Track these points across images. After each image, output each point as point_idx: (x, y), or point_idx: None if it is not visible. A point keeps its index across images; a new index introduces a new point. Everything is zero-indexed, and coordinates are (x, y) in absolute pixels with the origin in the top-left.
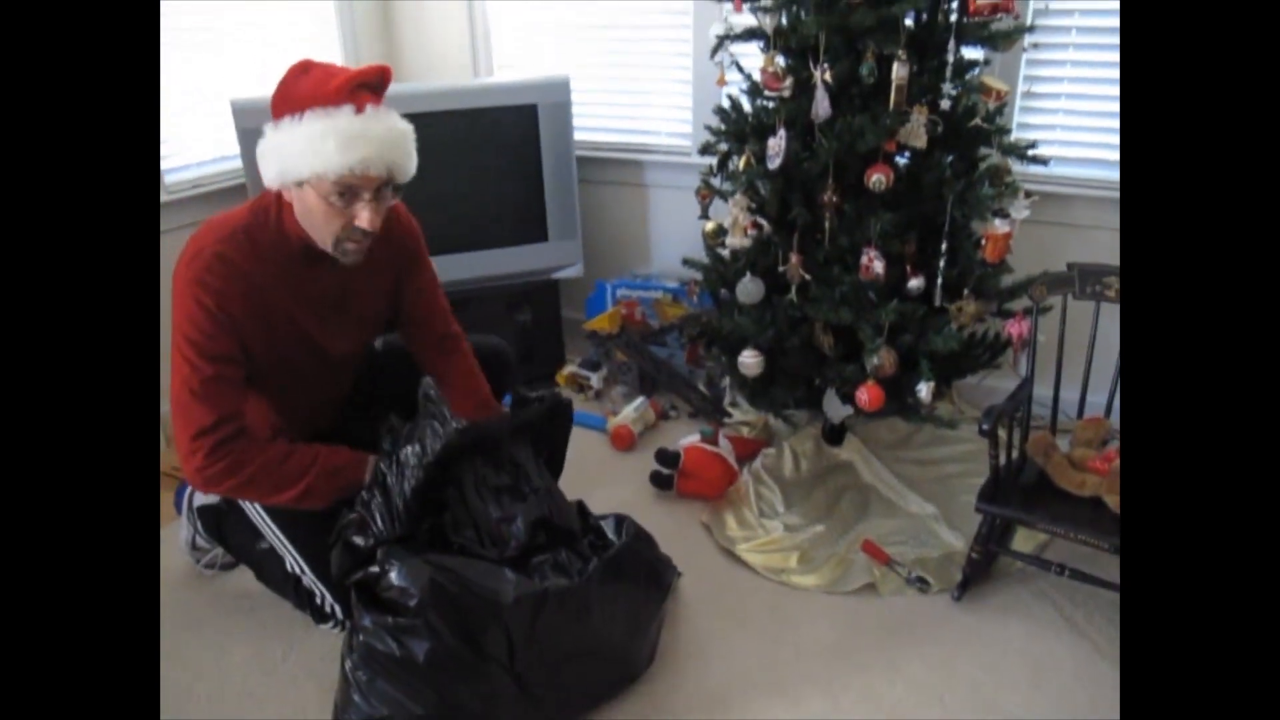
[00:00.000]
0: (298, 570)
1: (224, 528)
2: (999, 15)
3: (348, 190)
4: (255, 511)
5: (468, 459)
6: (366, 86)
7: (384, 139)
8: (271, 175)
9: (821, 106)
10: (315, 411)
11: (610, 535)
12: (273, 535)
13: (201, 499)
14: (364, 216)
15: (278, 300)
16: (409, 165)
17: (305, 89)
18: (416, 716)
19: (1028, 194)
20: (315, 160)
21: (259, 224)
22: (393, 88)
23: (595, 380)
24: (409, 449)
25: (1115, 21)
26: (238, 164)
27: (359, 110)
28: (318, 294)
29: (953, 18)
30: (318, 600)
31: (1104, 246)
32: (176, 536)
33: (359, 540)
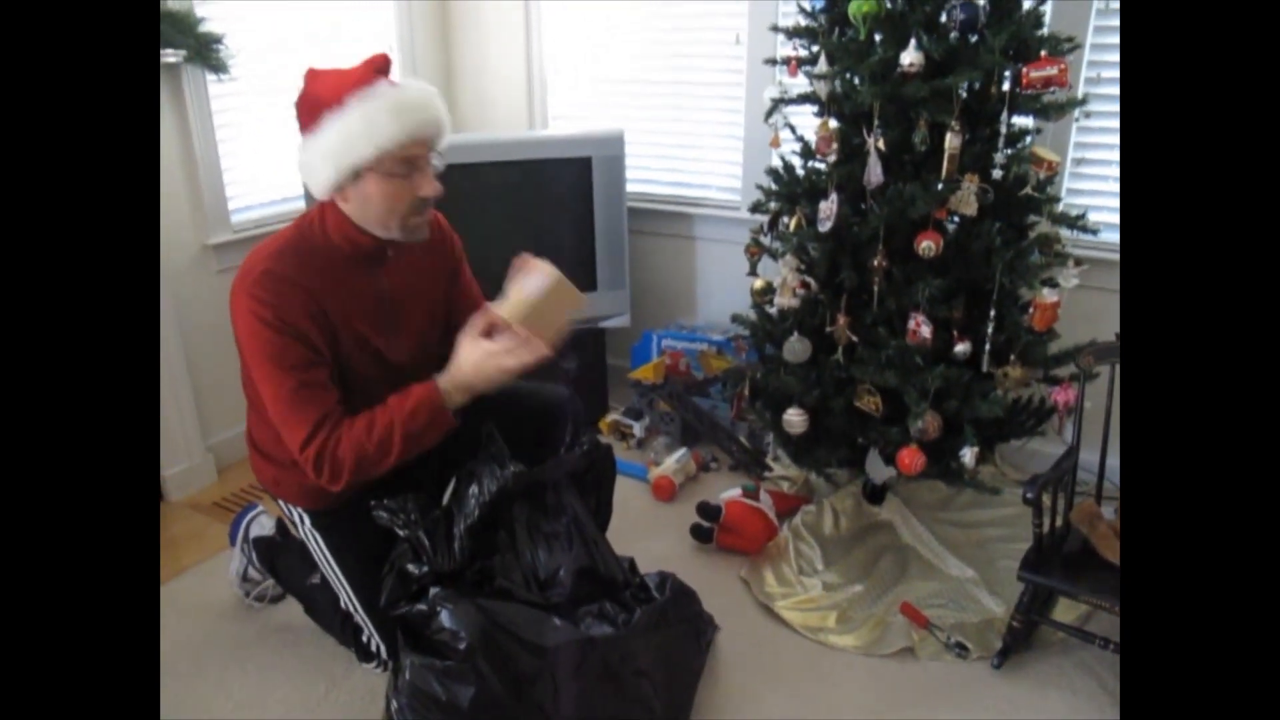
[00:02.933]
0: (349, 606)
1: (277, 560)
2: (1051, 89)
3: (408, 160)
4: (314, 543)
5: (520, 502)
6: (381, 69)
7: (425, 103)
8: (325, 178)
9: (874, 173)
10: None
11: (653, 589)
12: (327, 568)
13: (257, 530)
14: (427, 185)
15: (334, 307)
16: (448, 125)
17: (330, 85)
18: None
19: (1077, 261)
20: (376, 136)
21: (305, 237)
22: (459, 138)
23: (638, 429)
24: (471, 487)
25: None
26: (300, 204)
27: (390, 81)
28: (371, 302)
29: (1005, 88)
30: (364, 638)
31: None
32: (227, 568)
33: (412, 568)
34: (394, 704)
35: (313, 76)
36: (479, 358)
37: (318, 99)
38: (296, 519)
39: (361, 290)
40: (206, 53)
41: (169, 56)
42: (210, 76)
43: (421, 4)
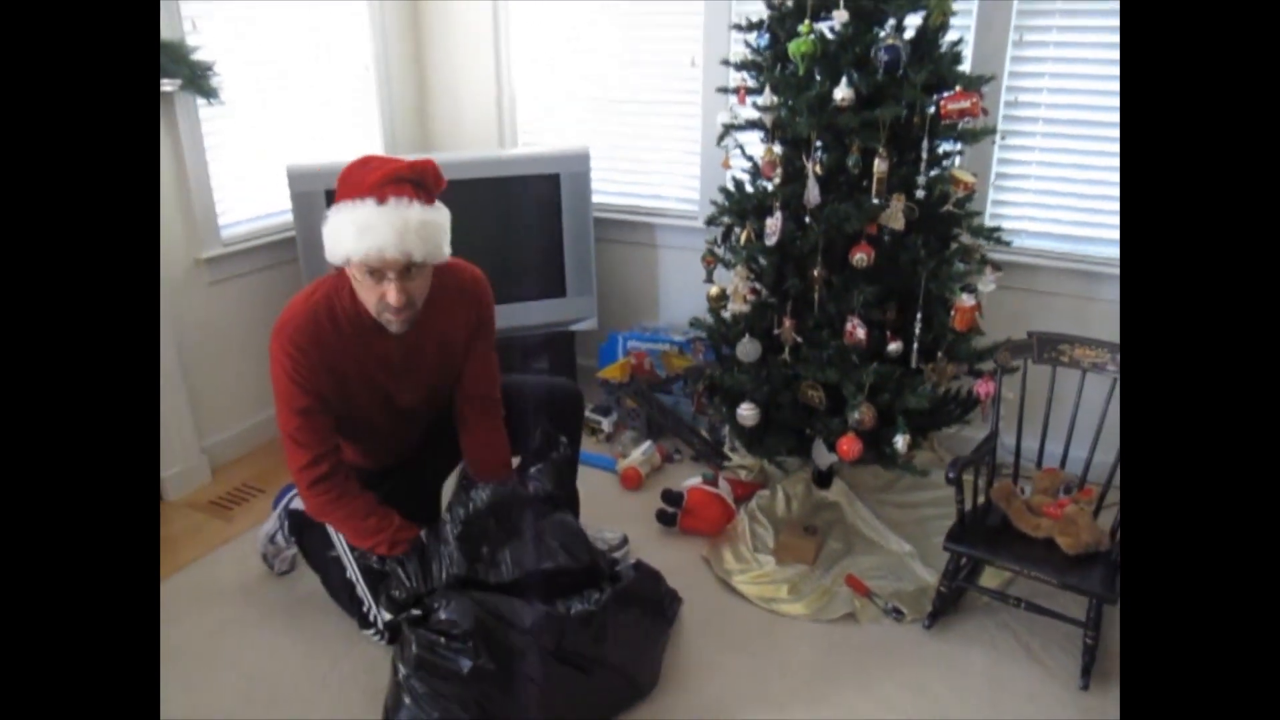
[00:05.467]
0: (354, 579)
1: (304, 534)
2: (966, 119)
3: (373, 271)
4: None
5: (499, 519)
6: (404, 180)
7: (399, 228)
8: (328, 253)
9: (813, 193)
10: (390, 454)
11: (623, 572)
12: (340, 545)
13: (297, 504)
14: (390, 294)
15: (349, 364)
16: (429, 249)
17: (350, 179)
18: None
19: (996, 267)
20: (339, 246)
21: (334, 300)
22: (433, 156)
23: (606, 424)
24: (456, 510)
25: (1075, 114)
26: (288, 218)
27: (381, 202)
28: (387, 355)
29: (928, 116)
30: (364, 609)
31: (1065, 311)
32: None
33: (396, 594)
34: (401, 670)
35: (359, 165)
36: None
37: (341, 184)
38: None
39: (379, 345)
40: (199, 80)
41: (165, 85)
42: (201, 101)
43: (397, 26)
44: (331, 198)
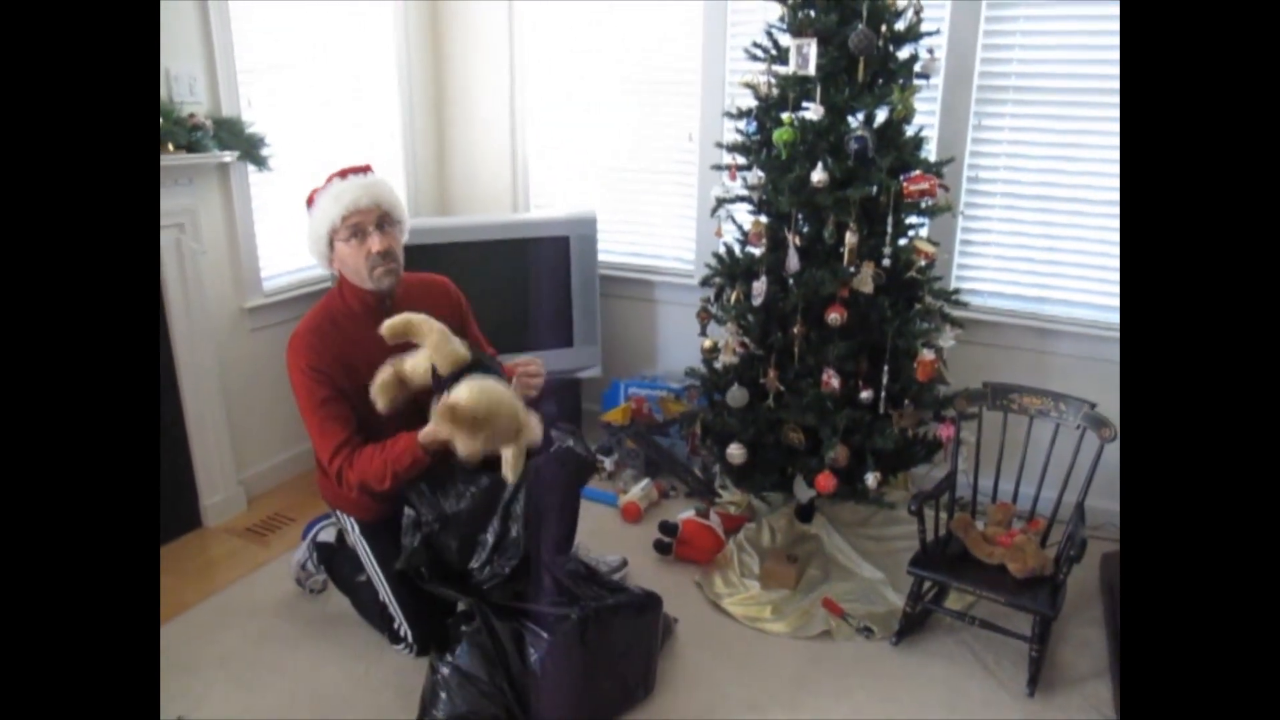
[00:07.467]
0: (385, 599)
1: (333, 561)
2: (925, 198)
3: (355, 228)
4: (362, 547)
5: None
6: (351, 170)
7: (362, 185)
8: (315, 249)
9: (793, 261)
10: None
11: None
12: (370, 568)
13: (323, 537)
14: (373, 241)
15: (355, 350)
16: (392, 198)
17: (320, 187)
18: (489, 715)
19: (956, 324)
20: (325, 216)
21: (331, 307)
22: (451, 219)
23: (609, 463)
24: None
25: (1030, 189)
26: (315, 271)
27: (343, 179)
28: (387, 346)
29: (894, 195)
30: (395, 625)
31: (1024, 364)
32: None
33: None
34: (441, 671)
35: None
36: (435, 421)
37: (310, 199)
38: (349, 527)
39: (378, 336)
40: (253, 153)
41: (224, 157)
42: (251, 168)
43: (423, 101)
44: None
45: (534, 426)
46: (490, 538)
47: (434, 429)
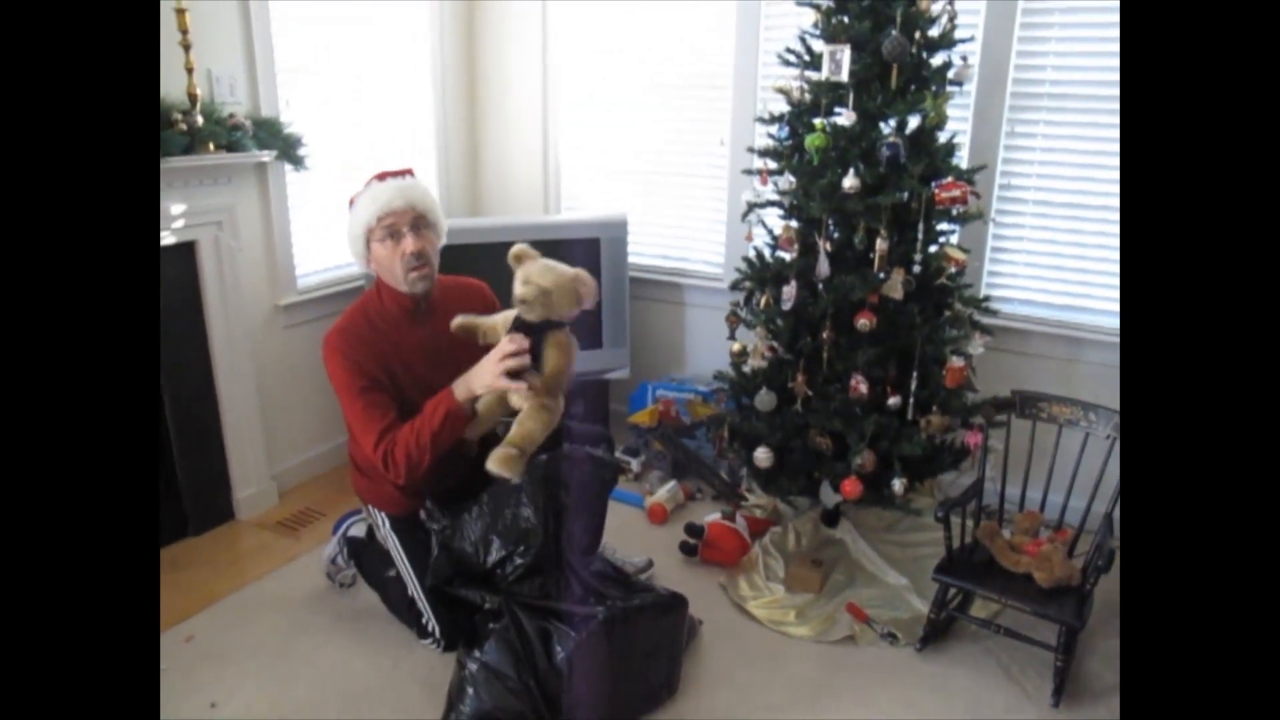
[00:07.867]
0: (414, 594)
1: (362, 557)
2: (956, 205)
3: (390, 229)
4: (392, 542)
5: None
6: (391, 173)
7: (398, 187)
8: (356, 253)
9: (823, 267)
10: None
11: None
12: (400, 563)
13: (353, 532)
14: (408, 243)
15: (392, 350)
16: (428, 202)
17: (360, 189)
18: (515, 711)
19: (985, 332)
20: (362, 216)
21: (368, 307)
22: (483, 220)
23: (635, 465)
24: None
25: (1063, 196)
26: (350, 269)
27: (382, 181)
28: (424, 347)
29: (925, 202)
30: (423, 620)
31: (1053, 372)
32: (319, 555)
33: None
34: (470, 665)
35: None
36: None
37: (352, 200)
38: (380, 522)
39: (414, 339)
40: (290, 153)
41: (263, 156)
42: (288, 167)
43: (457, 102)
44: None
45: (590, 289)
46: (500, 527)
47: (465, 377)
